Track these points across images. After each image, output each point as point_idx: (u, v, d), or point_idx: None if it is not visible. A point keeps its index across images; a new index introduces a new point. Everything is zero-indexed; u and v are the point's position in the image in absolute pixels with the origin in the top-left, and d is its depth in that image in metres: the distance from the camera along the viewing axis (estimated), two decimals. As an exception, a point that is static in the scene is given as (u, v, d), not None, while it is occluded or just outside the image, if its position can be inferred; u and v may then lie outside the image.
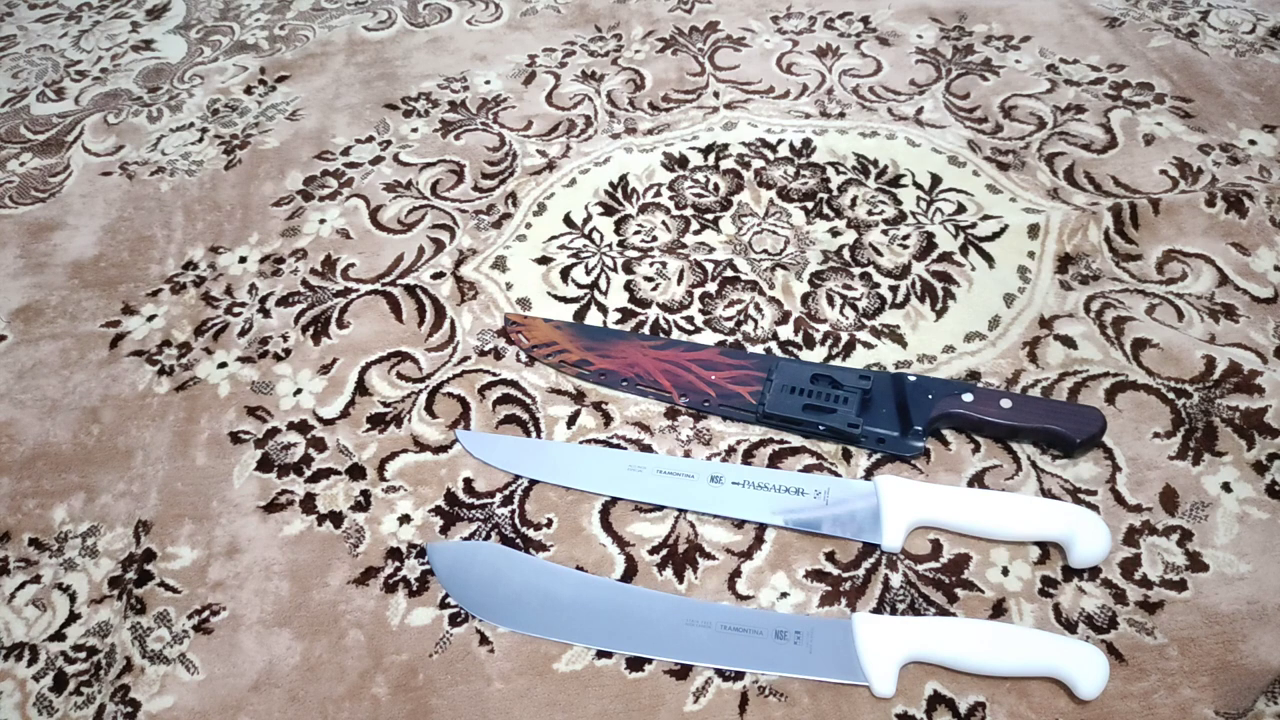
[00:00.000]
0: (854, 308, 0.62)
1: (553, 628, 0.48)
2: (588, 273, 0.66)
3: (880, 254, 0.66)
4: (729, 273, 0.65)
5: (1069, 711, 0.44)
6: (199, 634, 0.49)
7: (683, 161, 0.75)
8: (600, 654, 0.47)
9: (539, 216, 0.71)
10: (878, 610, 0.48)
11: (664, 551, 0.51)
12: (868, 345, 0.60)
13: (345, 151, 0.79)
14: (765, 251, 0.67)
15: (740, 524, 0.52)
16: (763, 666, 0.46)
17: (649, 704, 0.45)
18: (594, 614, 0.48)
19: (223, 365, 0.63)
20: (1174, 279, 0.62)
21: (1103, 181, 0.69)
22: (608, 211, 0.71)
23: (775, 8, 0.91)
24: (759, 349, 0.61)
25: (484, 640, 0.48)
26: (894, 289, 0.63)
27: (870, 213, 0.69)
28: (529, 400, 0.59)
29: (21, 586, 0.52)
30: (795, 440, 0.55)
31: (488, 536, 0.52)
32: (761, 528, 0.51)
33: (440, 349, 0.62)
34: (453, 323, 0.64)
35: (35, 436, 0.60)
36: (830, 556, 0.50)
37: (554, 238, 0.69)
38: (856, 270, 0.65)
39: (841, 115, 0.78)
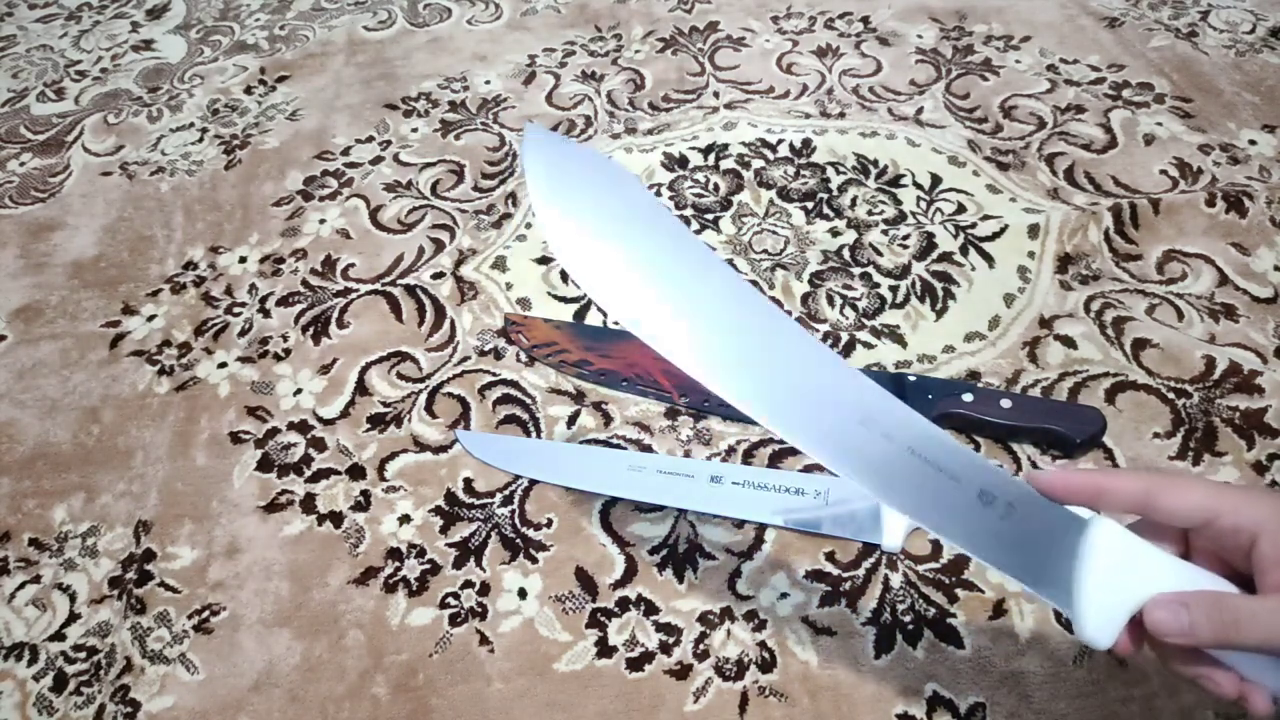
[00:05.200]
0: (854, 308, 0.62)
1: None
2: (588, 273, 0.66)
3: (880, 254, 0.66)
4: (729, 273, 0.65)
5: (1070, 714, 0.44)
6: (199, 634, 0.49)
7: (683, 161, 0.75)
8: (600, 654, 0.47)
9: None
10: (878, 610, 0.48)
11: (664, 551, 0.51)
12: (868, 345, 0.60)
13: (345, 151, 0.79)
14: (765, 251, 0.67)
15: (740, 524, 0.52)
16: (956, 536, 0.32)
17: (649, 704, 0.45)
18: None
19: (223, 365, 0.63)
20: (1174, 279, 0.62)
21: (1103, 181, 0.69)
22: (608, 211, 0.71)
23: (775, 8, 0.91)
24: (759, 349, 0.60)
25: (484, 640, 0.48)
26: (894, 289, 0.63)
27: (870, 213, 0.69)
28: (529, 400, 0.58)
29: (21, 586, 0.52)
30: (795, 440, 0.55)
31: (488, 536, 0.52)
32: (761, 528, 0.51)
33: (440, 349, 0.62)
34: (453, 323, 0.64)
35: (35, 436, 0.60)
36: (830, 556, 0.50)
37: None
38: (856, 270, 0.65)
39: (841, 115, 0.78)
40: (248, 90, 0.87)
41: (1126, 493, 0.32)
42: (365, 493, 0.55)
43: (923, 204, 0.69)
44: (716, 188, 0.72)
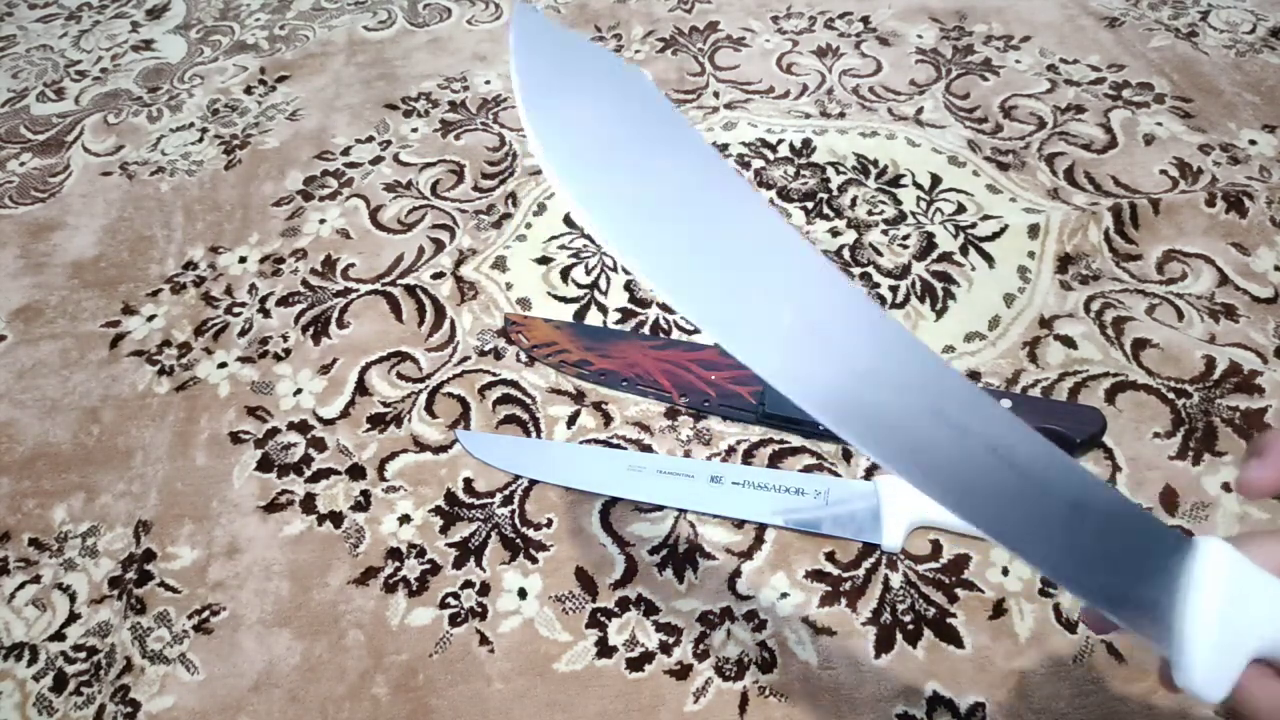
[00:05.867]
0: (854, 308, 0.62)
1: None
2: (588, 273, 0.66)
3: (880, 254, 0.66)
4: (729, 273, 0.65)
5: (1070, 713, 0.44)
6: (199, 634, 0.49)
7: (683, 161, 0.75)
8: (600, 654, 0.47)
9: (539, 216, 0.71)
10: (878, 610, 0.48)
11: (664, 551, 0.51)
12: (868, 345, 0.60)
13: (345, 151, 0.79)
14: (765, 251, 0.67)
15: (740, 524, 0.52)
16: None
17: (649, 704, 0.45)
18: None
19: (223, 365, 0.63)
20: (1174, 279, 0.62)
21: (1103, 181, 0.69)
22: (608, 211, 0.71)
23: (775, 8, 0.91)
24: (759, 349, 0.60)
25: (484, 640, 0.48)
26: (894, 289, 0.63)
27: (870, 213, 0.69)
28: (529, 400, 0.58)
29: (21, 586, 0.52)
30: (795, 440, 0.55)
31: (488, 536, 0.52)
32: (761, 528, 0.51)
33: (440, 349, 0.62)
34: (453, 323, 0.64)
35: (35, 436, 0.60)
36: (830, 556, 0.50)
37: (554, 238, 0.69)
38: (856, 270, 0.65)
39: (841, 115, 0.78)
40: (248, 90, 0.87)
41: None
42: (365, 493, 0.55)
43: (923, 204, 0.69)
44: (716, 188, 0.72)
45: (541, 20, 0.26)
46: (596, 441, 0.56)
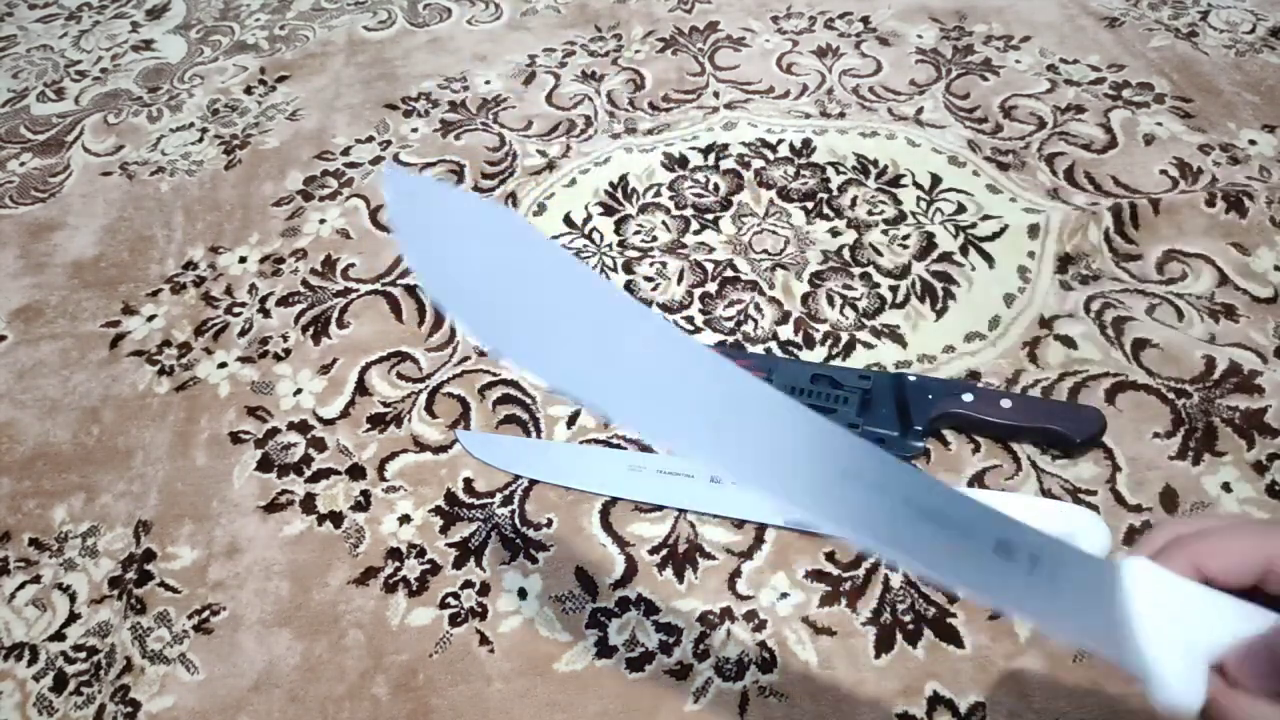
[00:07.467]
0: (854, 308, 0.62)
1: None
2: (588, 273, 0.66)
3: (880, 254, 0.66)
4: (729, 273, 0.65)
5: (1070, 712, 0.44)
6: (199, 634, 0.49)
7: (683, 161, 0.75)
8: (600, 654, 0.47)
9: (539, 217, 0.71)
10: (878, 610, 0.48)
11: (664, 551, 0.51)
12: (868, 345, 0.60)
13: (345, 151, 0.79)
14: (765, 251, 0.67)
15: (740, 524, 0.52)
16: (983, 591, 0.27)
17: (649, 704, 0.45)
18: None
19: (223, 365, 0.63)
20: (1174, 279, 0.62)
21: (1103, 181, 0.69)
22: (608, 211, 0.71)
23: (775, 8, 0.91)
24: (759, 349, 0.61)
25: (484, 640, 0.48)
26: (894, 289, 0.63)
27: (870, 213, 0.69)
28: (529, 400, 0.58)
29: (21, 586, 0.52)
30: (795, 440, 0.55)
31: (488, 536, 0.52)
32: (761, 528, 0.51)
33: (440, 349, 0.62)
34: (453, 323, 0.64)
35: (35, 436, 0.60)
36: (830, 556, 0.50)
37: (554, 238, 0.69)
38: (856, 270, 0.65)
39: (841, 115, 0.78)
40: (248, 90, 0.87)
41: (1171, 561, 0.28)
42: (365, 493, 0.55)
43: (923, 204, 0.69)
44: (716, 188, 0.72)
45: (407, 176, 0.32)
46: (596, 441, 0.56)
